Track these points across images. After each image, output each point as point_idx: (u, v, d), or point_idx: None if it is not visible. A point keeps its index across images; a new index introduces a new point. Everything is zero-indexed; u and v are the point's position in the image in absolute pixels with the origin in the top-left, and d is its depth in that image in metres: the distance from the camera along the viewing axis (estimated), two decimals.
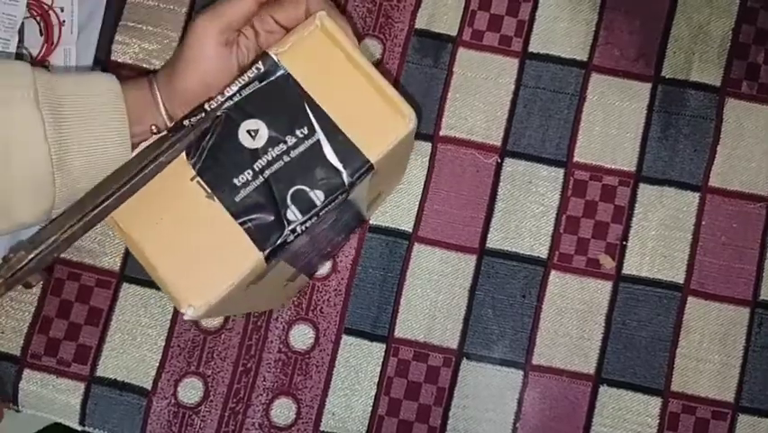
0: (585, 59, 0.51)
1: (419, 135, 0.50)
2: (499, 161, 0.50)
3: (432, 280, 0.49)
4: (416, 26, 0.51)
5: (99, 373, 0.48)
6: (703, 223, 0.49)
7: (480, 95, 0.51)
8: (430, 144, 0.50)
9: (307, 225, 0.33)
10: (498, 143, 0.50)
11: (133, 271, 0.49)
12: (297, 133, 0.34)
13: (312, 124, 0.34)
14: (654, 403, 0.48)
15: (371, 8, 0.51)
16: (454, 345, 0.49)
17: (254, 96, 0.34)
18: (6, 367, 0.48)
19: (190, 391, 0.48)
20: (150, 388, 0.48)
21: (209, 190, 0.33)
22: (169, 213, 0.34)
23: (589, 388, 0.48)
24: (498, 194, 0.50)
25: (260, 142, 0.34)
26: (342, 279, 0.49)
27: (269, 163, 0.33)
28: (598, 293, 0.49)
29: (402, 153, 0.39)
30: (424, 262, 0.49)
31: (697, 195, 0.50)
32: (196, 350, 0.49)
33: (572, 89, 0.51)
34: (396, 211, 0.50)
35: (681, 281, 0.49)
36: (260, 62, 0.34)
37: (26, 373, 0.48)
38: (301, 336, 0.49)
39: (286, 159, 0.33)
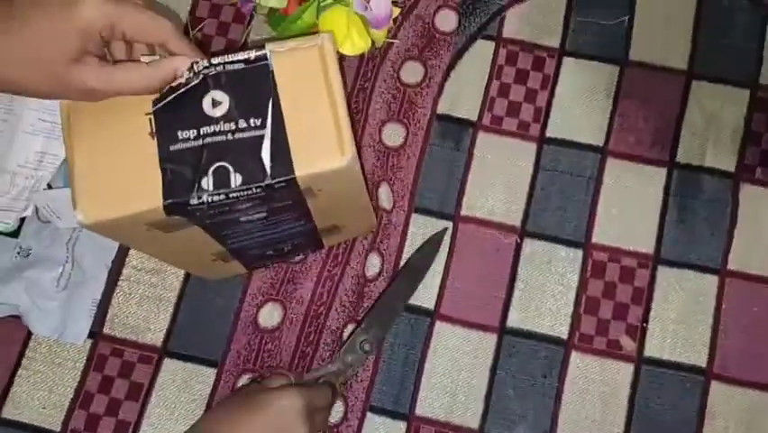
0: (601, 145, 0.53)
1: (442, 215, 0.52)
2: (519, 241, 0.51)
3: (453, 358, 0.50)
4: (437, 111, 0.54)
5: None
6: (723, 306, 0.50)
7: (500, 177, 0.53)
8: (451, 224, 0.52)
9: (217, 199, 0.35)
10: (518, 224, 0.52)
11: (176, 347, 0.50)
12: (251, 121, 0.36)
13: (266, 120, 0.36)
14: None
15: (396, 94, 0.54)
16: (475, 424, 0.49)
17: (234, 74, 0.36)
18: None
19: None
20: None
21: (154, 129, 0.36)
22: (112, 130, 0.36)
23: None
24: (517, 273, 0.51)
25: (216, 113, 0.36)
26: (371, 355, 0.50)
27: (214, 134, 0.36)
28: (619, 375, 0.49)
29: (347, 191, 0.41)
30: (445, 339, 0.50)
31: (716, 278, 0.50)
32: None
33: (590, 173, 0.52)
34: (419, 289, 0.51)
35: (704, 365, 0.49)
36: (254, 50, 0.36)
37: None
38: (333, 410, 0.49)
39: (229, 137, 0.36)
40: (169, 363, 0.50)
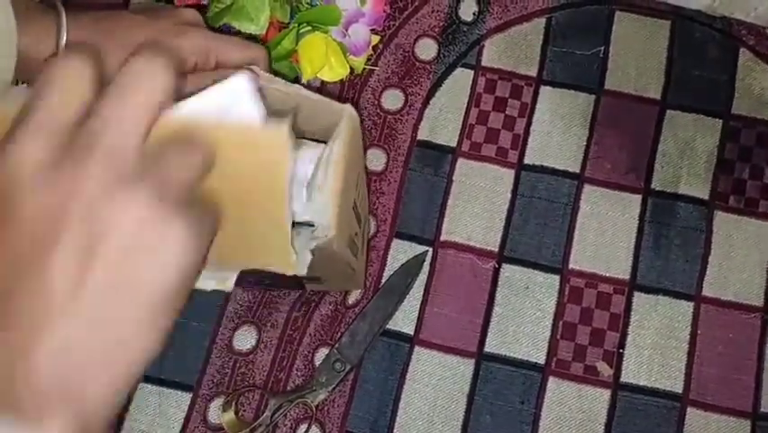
0: (577, 171, 0.53)
1: (422, 240, 0.52)
2: (497, 266, 0.52)
3: (431, 384, 0.50)
4: (417, 138, 0.55)
5: None
6: (699, 332, 0.50)
7: (479, 202, 0.53)
8: (431, 249, 0.52)
9: None
10: (496, 249, 0.52)
11: (151, 371, 0.49)
12: None
13: None
14: None
15: (377, 121, 0.55)
16: None
17: None
18: None
19: None
20: None
21: None
22: None
23: None
24: (495, 299, 0.51)
25: None
26: (347, 380, 0.49)
27: None
28: (596, 401, 0.49)
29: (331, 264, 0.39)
30: (423, 365, 0.50)
31: (691, 304, 0.51)
32: None
33: (566, 199, 0.53)
34: (398, 314, 0.51)
35: (680, 391, 0.49)
36: None
37: None
38: None
39: None
40: (143, 388, 0.49)
